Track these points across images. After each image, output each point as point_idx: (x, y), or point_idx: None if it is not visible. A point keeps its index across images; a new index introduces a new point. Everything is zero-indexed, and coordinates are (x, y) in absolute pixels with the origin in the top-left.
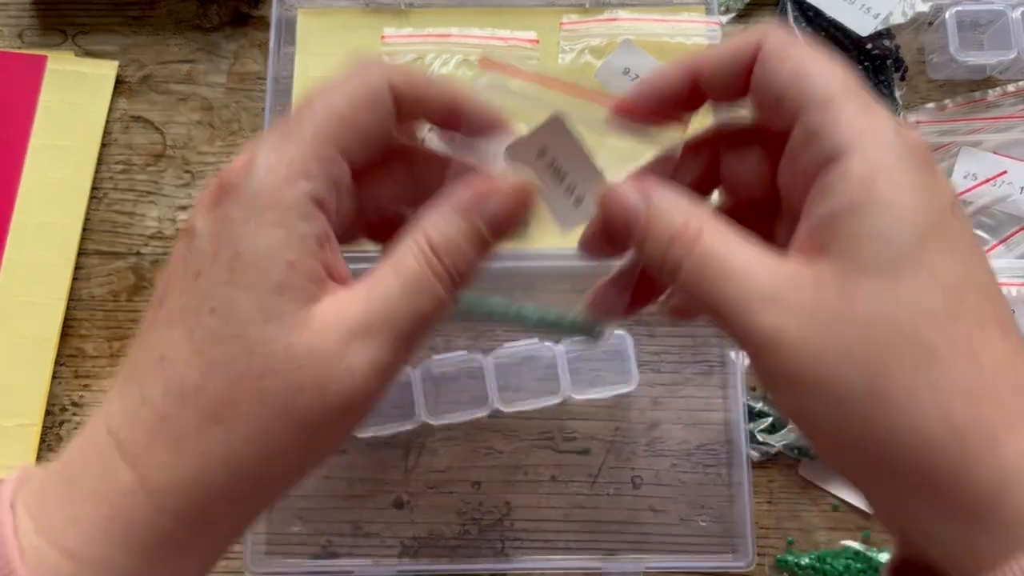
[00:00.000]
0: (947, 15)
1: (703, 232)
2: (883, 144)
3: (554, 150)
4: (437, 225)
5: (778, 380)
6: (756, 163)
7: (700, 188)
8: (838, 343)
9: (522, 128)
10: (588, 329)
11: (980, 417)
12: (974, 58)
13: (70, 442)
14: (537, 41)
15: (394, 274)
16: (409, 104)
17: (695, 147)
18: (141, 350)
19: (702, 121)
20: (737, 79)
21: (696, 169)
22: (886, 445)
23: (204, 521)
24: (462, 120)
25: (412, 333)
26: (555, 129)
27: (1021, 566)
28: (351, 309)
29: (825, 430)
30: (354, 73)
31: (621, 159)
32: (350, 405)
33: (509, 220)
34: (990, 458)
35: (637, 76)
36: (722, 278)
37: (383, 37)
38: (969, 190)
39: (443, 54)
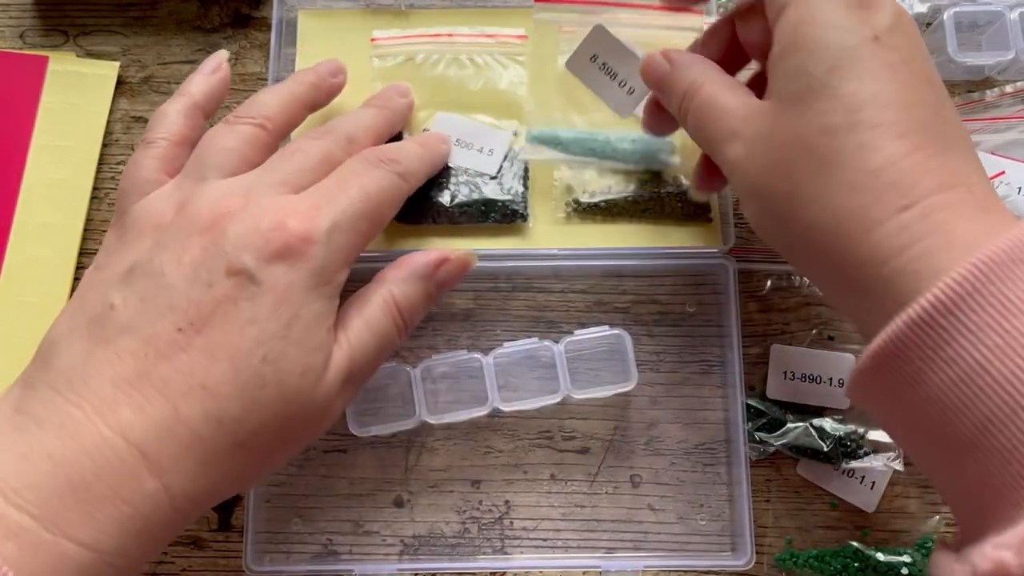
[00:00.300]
0: (945, 16)
1: (704, 84)
2: None
3: (603, 55)
4: (404, 291)
5: (740, 195)
6: (759, 28)
7: (731, 62)
8: (768, 161)
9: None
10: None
11: (859, 207)
12: (972, 59)
13: (57, 441)
14: (525, 36)
15: (370, 333)
16: None
17: (717, 28)
18: (172, 372)
19: None
20: None
21: (720, 45)
22: (801, 236)
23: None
24: None
25: (372, 374)
26: (599, 36)
27: (897, 328)
28: (343, 364)
29: (768, 229)
30: (389, 167)
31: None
32: (324, 432)
33: (454, 282)
34: (865, 240)
35: (606, 64)
36: (711, 119)
37: (372, 40)
38: None
39: (432, 55)
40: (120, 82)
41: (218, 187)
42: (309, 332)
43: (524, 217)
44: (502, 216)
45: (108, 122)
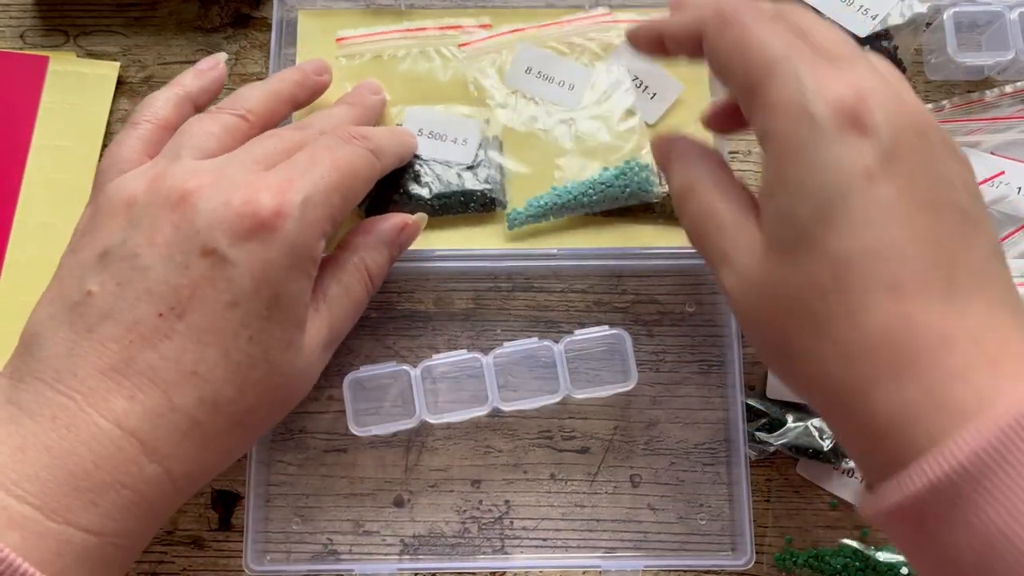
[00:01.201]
0: (945, 16)
1: (696, 188)
2: (795, 118)
3: (633, 68)
4: (372, 257)
5: (736, 317)
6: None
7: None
8: (759, 306)
9: None
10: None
11: (852, 377)
12: (972, 59)
13: (53, 433)
14: (490, 25)
15: (348, 299)
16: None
17: (724, 106)
18: (158, 359)
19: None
20: (695, 48)
21: (725, 123)
22: (798, 386)
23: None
24: None
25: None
26: (627, 49)
27: (890, 495)
28: (323, 330)
29: (764, 357)
30: (361, 142)
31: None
32: (307, 391)
33: (409, 244)
34: (863, 407)
35: (541, 72)
36: (702, 233)
37: (338, 40)
38: None
39: (399, 50)
40: (120, 82)
41: (191, 164)
42: (291, 308)
43: (504, 205)
44: (481, 205)
45: (108, 122)
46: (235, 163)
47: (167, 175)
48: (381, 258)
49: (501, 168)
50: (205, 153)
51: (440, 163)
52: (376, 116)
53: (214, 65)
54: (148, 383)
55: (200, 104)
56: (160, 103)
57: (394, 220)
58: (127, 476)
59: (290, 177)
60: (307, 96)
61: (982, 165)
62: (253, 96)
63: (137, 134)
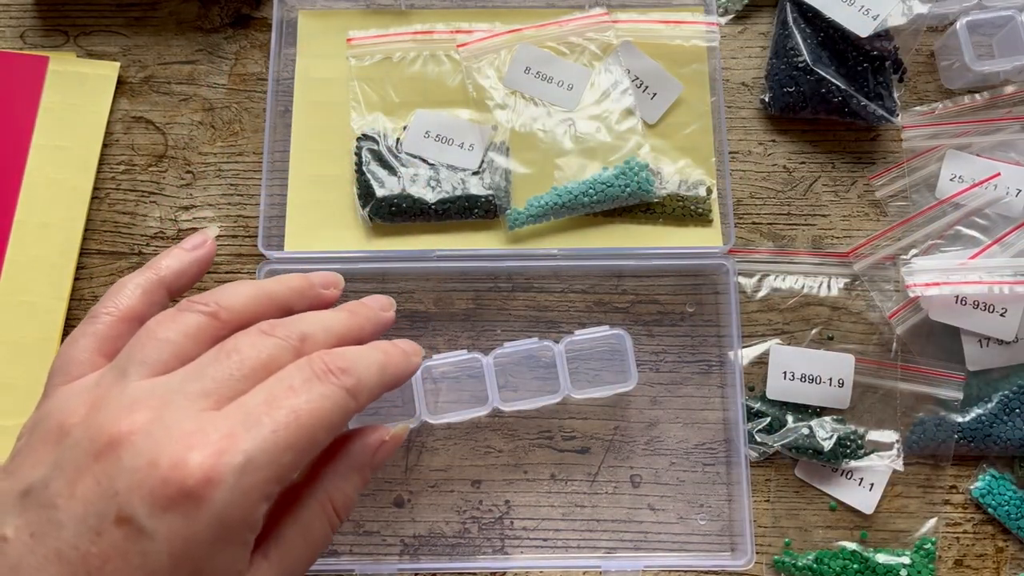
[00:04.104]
0: (959, 24)
1: None
2: None
3: (634, 68)
4: (340, 488)
5: None
6: None
7: None
8: None
9: None
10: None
11: None
12: (990, 66)
13: None
14: (499, 33)
15: (304, 541)
16: None
17: None
18: None
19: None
20: None
21: None
22: None
23: None
24: None
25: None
26: (627, 50)
27: None
28: None
29: None
30: (323, 386)
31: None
32: None
33: (388, 459)
34: None
35: (540, 72)
36: None
37: (349, 40)
38: (960, 193)
39: (410, 52)
40: (120, 82)
41: (132, 391)
42: None
43: (507, 210)
44: (484, 211)
45: (108, 122)
46: (180, 397)
47: (104, 404)
48: (350, 487)
49: (507, 174)
50: (157, 368)
51: (446, 167)
52: (376, 334)
53: (200, 243)
54: None
55: (175, 290)
56: (128, 291)
57: (369, 440)
58: None
59: (233, 431)
60: (305, 306)
61: (970, 167)
62: (238, 294)
63: (93, 331)
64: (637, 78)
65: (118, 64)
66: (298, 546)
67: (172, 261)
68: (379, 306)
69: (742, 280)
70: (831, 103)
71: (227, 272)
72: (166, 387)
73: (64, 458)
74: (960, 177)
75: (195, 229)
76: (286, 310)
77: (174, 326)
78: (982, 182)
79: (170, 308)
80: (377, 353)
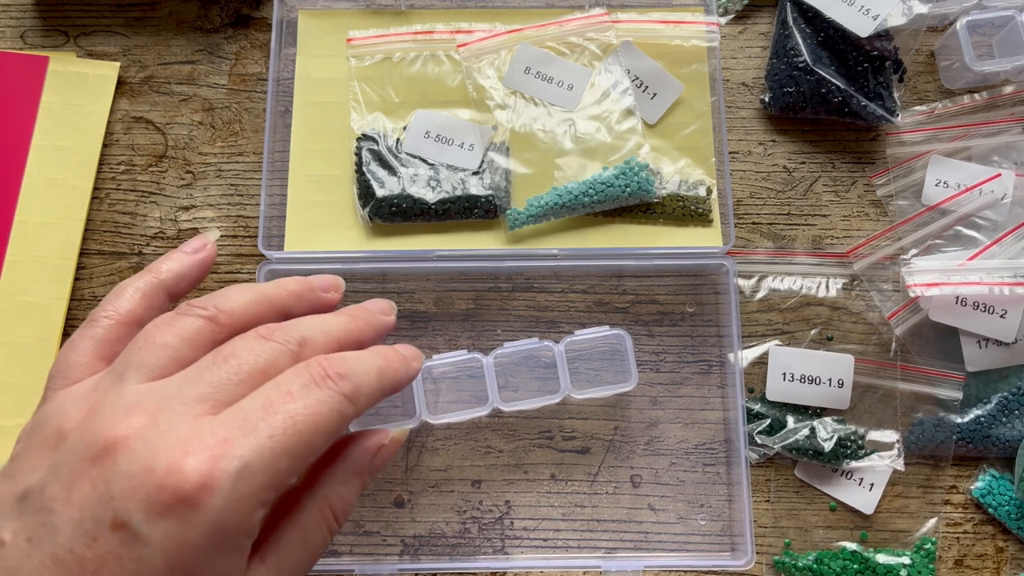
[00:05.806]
0: (959, 25)
1: None
2: None
3: (634, 68)
4: (339, 492)
5: None
6: None
7: None
8: None
9: None
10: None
11: None
12: (990, 66)
13: None
14: (498, 33)
15: (303, 545)
16: None
17: None
18: None
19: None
20: None
21: None
22: None
23: None
24: None
25: None
26: (627, 50)
27: None
28: None
29: None
30: (323, 396)
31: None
32: None
33: (388, 463)
34: None
35: (540, 72)
36: None
37: (348, 40)
38: (951, 199)
39: (410, 52)
40: (120, 82)
41: (130, 395)
42: None
43: (507, 210)
44: (484, 212)
45: (108, 122)
46: (177, 402)
47: (101, 409)
48: (349, 492)
49: (507, 174)
50: (154, 373)
51: (446, 167)
52: (377, 338)
53: (201, 247)
54: None
55: (175, 294)
56: (128, 295)
57: (368, 443)
58: None
59: (229, 437)
60: (304, 310)
61: (954, 172)
62: (237, 298)
63: (92, 334)
64: (637, 78)
65: (118, 64)
66: (296, 551)
67: (172, 264)
68: (379, 310)
69: (741, 281)
70: (831, 103)
71: (227, 272)
72: (163, 392)
73: (61, 462)
74: (945, 182)
75: (195, 229)
76: (285, 314)
77: (172, 330)
78: (973, 187)
79: (169, 312)
80: (376, 358)
